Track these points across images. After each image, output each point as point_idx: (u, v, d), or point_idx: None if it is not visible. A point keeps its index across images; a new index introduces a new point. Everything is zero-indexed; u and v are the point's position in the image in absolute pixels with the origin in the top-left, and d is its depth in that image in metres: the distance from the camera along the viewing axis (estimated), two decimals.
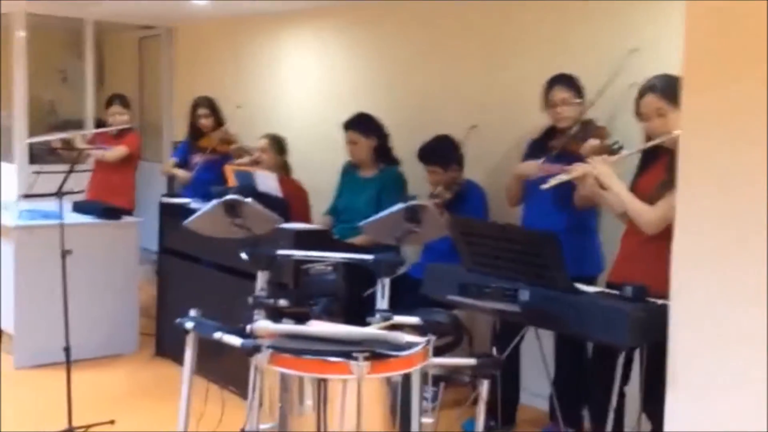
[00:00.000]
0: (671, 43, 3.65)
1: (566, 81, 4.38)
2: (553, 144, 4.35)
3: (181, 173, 6.50)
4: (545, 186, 3.77)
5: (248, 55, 7.52)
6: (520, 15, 5.14)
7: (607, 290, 3.46)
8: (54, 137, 6.49)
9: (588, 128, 4.24)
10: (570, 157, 4.06)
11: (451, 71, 5.62)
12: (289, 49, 7.12)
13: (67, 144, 6.43)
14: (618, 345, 3.13)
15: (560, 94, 4.36)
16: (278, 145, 5.99)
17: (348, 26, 6.54)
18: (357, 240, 4.98)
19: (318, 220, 5.59)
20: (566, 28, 4.87)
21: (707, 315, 2.66)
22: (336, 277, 3.26)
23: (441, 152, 4.92)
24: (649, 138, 3.57)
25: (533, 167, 4.38)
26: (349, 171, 5.56)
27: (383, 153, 5.41)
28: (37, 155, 7.62)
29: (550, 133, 4.46)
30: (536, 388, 4.67)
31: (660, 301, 3.01)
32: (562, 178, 3.71)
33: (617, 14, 4.62)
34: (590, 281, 3.92)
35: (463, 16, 5.51)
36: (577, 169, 3.68)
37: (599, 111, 4.38)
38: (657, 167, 3.54)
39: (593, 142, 3.96)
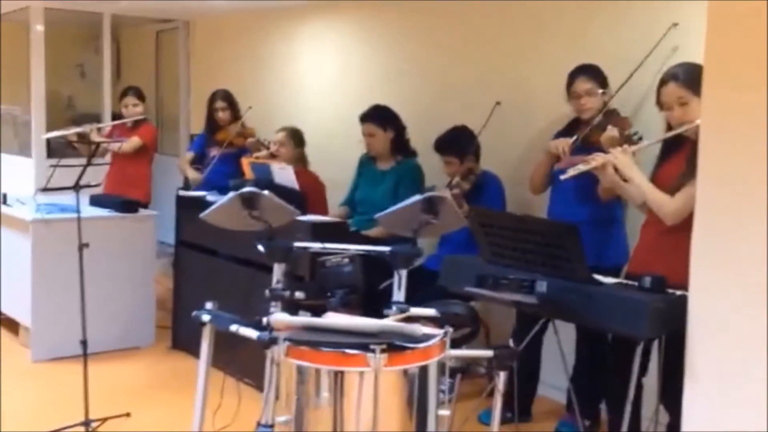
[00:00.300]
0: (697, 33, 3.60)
1: (589, 71, 4.34)
2: (576, 135, 4.31)
3: (192, 174, 6.48)
4: (564, 176, 3.74)
5: (265, 49, 7.52)
6: (540, 4, 5.10)
7: (626, 281, 3.43)
8: (70, 131, 6.49)
9: (610, 118, 4.20)
10: (592, 147, 4.02)
11: (469, 62, 5.60)
12: (305, 43, 7.11)
13: (83, 138, 6.43)
14: (636, 336, 3.10)
15: (583, 84, 4.32)
16: (296, 137, 5.99)
17: (364, 19, 6.52)
18: (372, 232, 4.97)
19: (334, 212, 5.58)
20: (587, 18, 4.83)
21: (726, 309, 2.64)
22: (352, 269, 3.24)
23: (457, 143, 4.90)
24: (670, 127, 3.52)
25: (564, 143, 4.31)
26: (367, 163, 5.54)
27: (400, 145, 5.39)
28: (55, 149, 7.65)
29: (575, 124, 4.42)
30: (552, 379, 4.65)
31: (679, 292, 2.99)
32: (581, 168, 3.67)
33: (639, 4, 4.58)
34: (615, 272, 3.89)
35: (481, 6, 5.48)
36: (597, 159, 3.64)
37: (624, 101, 4.33)
38: (678, 157, 3.50)
39: (611, 132, 3.91)
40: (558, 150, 4.31)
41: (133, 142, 6.49)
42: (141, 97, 6.74)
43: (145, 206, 6.22)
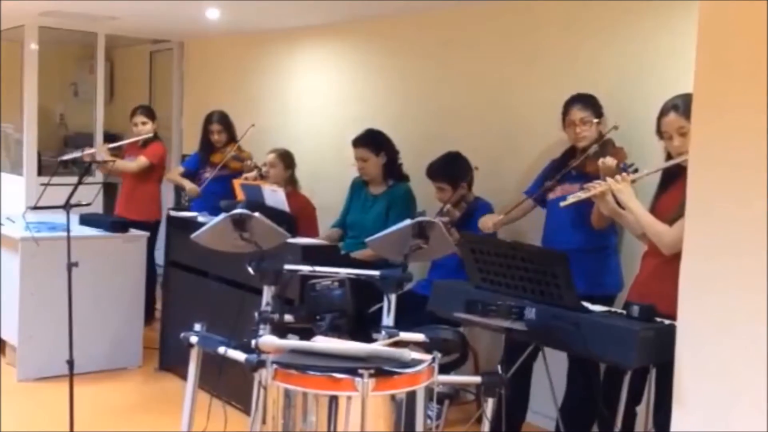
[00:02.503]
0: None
1: (584, 100, 4.36)
2: (570, 163, 4.33)
3: (188, 184, 6.49)
4: (563, 204, 3.75)
5: (259, 71, 7.53)
6: (535, 32, 5.12)
7: (614, 309, 3.44)
8: (85, 152, 6.54)
9: (606, 148, 4.21)
10: (587, 177, 4.04)
11: (464, 88, 5.61)
12: (299, 65, 7.13)
13: (92, 157, 6.50)
14: (625, 364, 3.10)
15: (579, 113, 4.33)
16: (286, 159, 5.99)
17: (358, 43, 6.55)
18: (361, 254, 4.95)
19: (325, 234, 5.58)
20: (578, 47, 4.86)
21: (714, 334, 2.65)
22: (342, 293, 3.24)
23: (450, 169, 4.90)
24: (670, 157, 3.54)
25: (490, 220, 4.41)
26: (359, 187, 5.54)
27: (393, 169, 5.39)
28: (46, 167, 7.65)
29: (571, 152, 4.44)
30: (540, 407, 4.63)
31: (667, 321, 2.99)
32: (580, 195, 3.69)
33: (633, 36, 4.61)
34: (608, 300, 3.88)
35: (476, 33, 5.50)
36: (596, 188, 3.65)
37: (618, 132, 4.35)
38: (677, 187, 3.49)
39: (609, 161, 3.90)
40: (486, 227, 4.43)
41: (140, 161, 6.56)
42: (151, 115, 6.82)
43: (156, 225, 6.22)
